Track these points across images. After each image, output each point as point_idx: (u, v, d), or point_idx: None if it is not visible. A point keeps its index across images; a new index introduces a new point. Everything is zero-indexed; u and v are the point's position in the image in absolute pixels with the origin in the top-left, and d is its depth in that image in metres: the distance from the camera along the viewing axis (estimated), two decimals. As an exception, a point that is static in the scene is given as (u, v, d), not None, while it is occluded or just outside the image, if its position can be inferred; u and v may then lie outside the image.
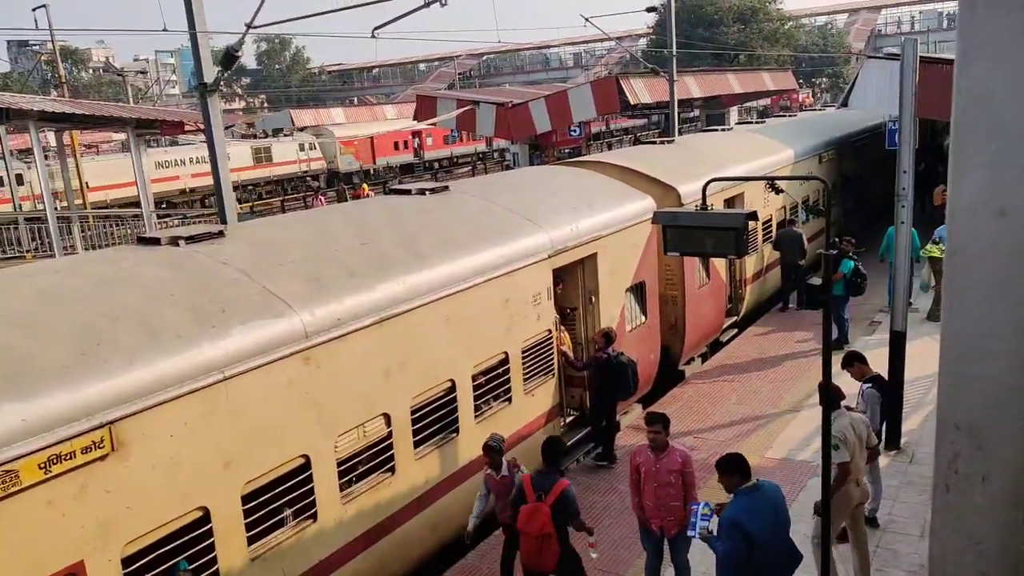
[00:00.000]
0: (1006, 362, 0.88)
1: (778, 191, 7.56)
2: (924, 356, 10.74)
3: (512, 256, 8.40)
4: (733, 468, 5.67)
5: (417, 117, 27.73)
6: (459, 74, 77.85)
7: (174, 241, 6.66)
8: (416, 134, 47.44)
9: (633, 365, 9.54)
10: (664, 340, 11.98)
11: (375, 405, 6.69)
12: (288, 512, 6.08)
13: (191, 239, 6.70)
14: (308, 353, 6.06)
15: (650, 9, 30.05)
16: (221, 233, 7.03)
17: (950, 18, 64.36)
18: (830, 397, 6.49)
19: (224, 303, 5.81)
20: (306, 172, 43.85)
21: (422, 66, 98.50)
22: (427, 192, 9.22)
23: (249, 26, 10.26)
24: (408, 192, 9.37)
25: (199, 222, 19.08)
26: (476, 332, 7.86)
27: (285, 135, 44.82)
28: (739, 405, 11.36)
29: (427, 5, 10.30)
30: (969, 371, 0.91)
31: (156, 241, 6.72)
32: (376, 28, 10.97)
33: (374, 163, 46.48)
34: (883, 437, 7.89)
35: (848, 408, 8.06)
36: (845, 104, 28.58)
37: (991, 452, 0.90)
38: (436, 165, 50.41)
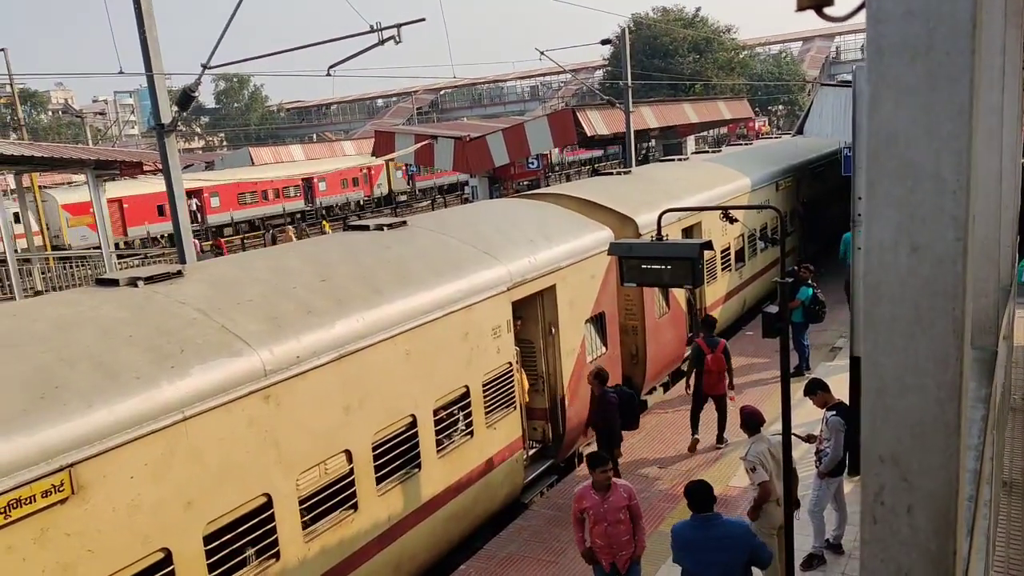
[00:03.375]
0: (925, 394, 0.92)
1: (732, 220, 7.73)
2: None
3: (471, 290, 8.42)
4: (689, 498, 5.78)
5: (376, 152, 27.78)
6: (417, 109, 78.35)
7: (132, 282, 6.56)
8: (307, 180, 44.72)
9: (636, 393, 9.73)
10: (625, 370, 12.06)
11: (336, 442, 6.61)
12: (251, 552, 5.96)
13: (149, 279, 6.62)
14: (268, 391, 5.99)
15: (605, 41, 30.72)
16: (179, 273, 6.95)
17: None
18: (753, 424, 6.82)
19: (183, 343, 5.73)
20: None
21: (380, 101, 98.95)
22: (385, 228, 9.24)
23: (205, 66, 10.24)
24: (366, 228, 9.37)
25: (159, 262, 18.79)
26: (436, 367, 7.84)
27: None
28: (701, 434, 11.44)
29: (382, 43, 10.40)
30: (890, 404, 0.95)
31: (114, 282, 6.62)
32: (332, 66, 11.03)
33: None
34: (847, 464, 8.02)
35: (803, 434, 8.22)
36: (800, 131, 29.33)
37: (915, 484, 0.94)
38: (328, 212, 45.91)
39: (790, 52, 78.75)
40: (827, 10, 1.00)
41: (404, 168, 50.16)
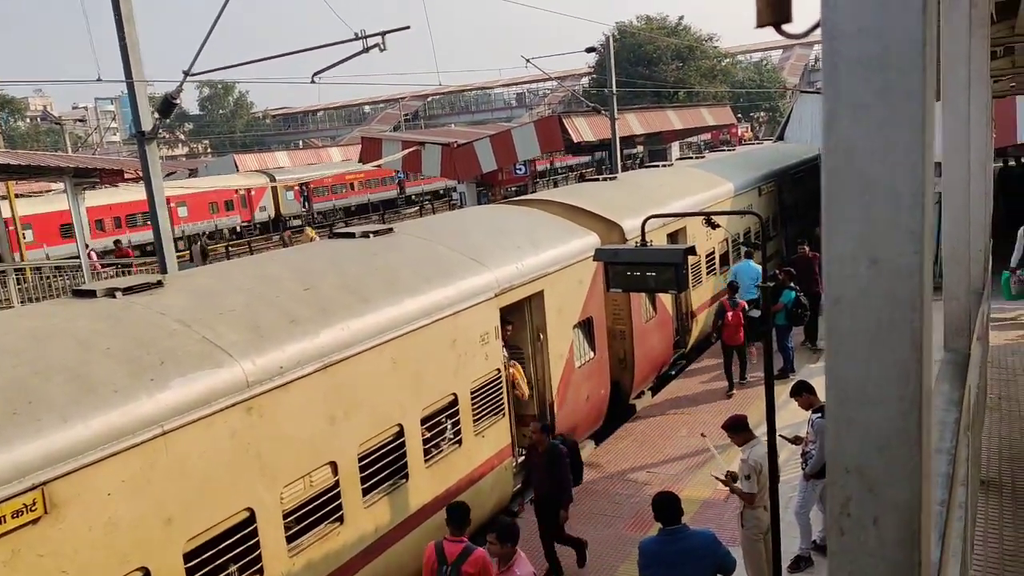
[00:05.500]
0: (888, 406, 0.93)
1: (714, 226, 7.78)
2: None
3: (458, 297, 8.41)
4: (655, 512, 5.78)
5: (363, 159, 27.76)
6: (404, 115, 78.38)
7: (110, 293, 6.49)
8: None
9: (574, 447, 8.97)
10: (614, 375, 12.08)
11: (321, 454, 6.57)
12: (233, 568, 5.89)
13: (128, 290, 6.55)
14: (250, 403, 5.94)
15: (589, 49, 30.90)
16: (159, 283, 6.89)
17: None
18: (740, 427, 6.85)
19: (162, 355, 5.67)
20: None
21: (367, 108, 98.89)
22: (371, 235, 9.21)
23: (187, 73, 10.20)
24: (352, 235, 9.34)
25: (139, 272, 18.62)
26: (424, 375, 7.82)
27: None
28: (689, 438, 11.48)
29: (366, 51, 10.39)
30: (855, 415, 0.95)
31: (92, 293, 6.55)
32: (316, 73, 11.01)
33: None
34: None
35: (789, 436, 8.25)
36: (781, 137, 29.60)
37: (880, 495, 0.94)
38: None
39: (770, 60, 79.46)
40: (786, 27, 1.01)
41: (297, 188, 43.09)
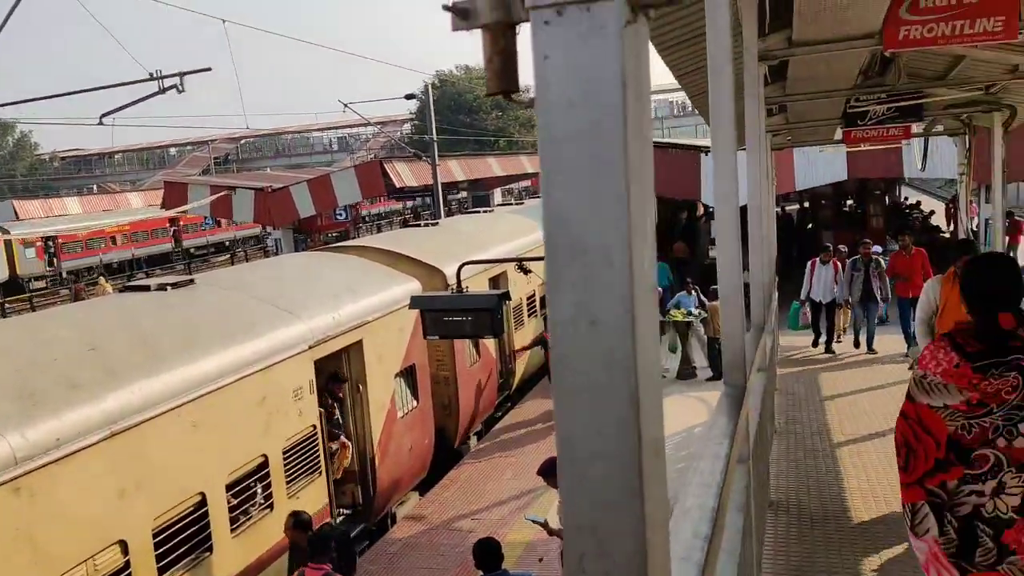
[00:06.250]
0: (610, 462, 0.95)
1: (526, 272, 8.03)
2: (677, 414, 11.75)
3: (268, 350, 8.00)
4: (475, 559, 5.78)
5: (166, 204, 26.03)
6: (215, 159, 74.71)
7: None
8: None
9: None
10: (439, 422, 11.99)
11: (108, 533, 5.90)
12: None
13: None
14: (19, 483, 5.23)
15: (409, 96, 31.22)
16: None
17: (680, 107, 73.92)
18: (553, 470, 7.04)
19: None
20: None
21: (173, 151, 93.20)
22: (168, 287, 8.58)
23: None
24: (146, 288, 8.65)
25: None
26: (230, 437, 7.31)
27: None
28: (515, 480, 11.59)
29: (163, 91, 9.78)
30: (583, 473, 0.97)
31: None
32: (104, 115, 10.18)
33: None
34: None
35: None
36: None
37: (610, 552, 0.95)
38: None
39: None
40: (515, 96, 1.04)
41: (41, 242, 35.62)
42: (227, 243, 47.88)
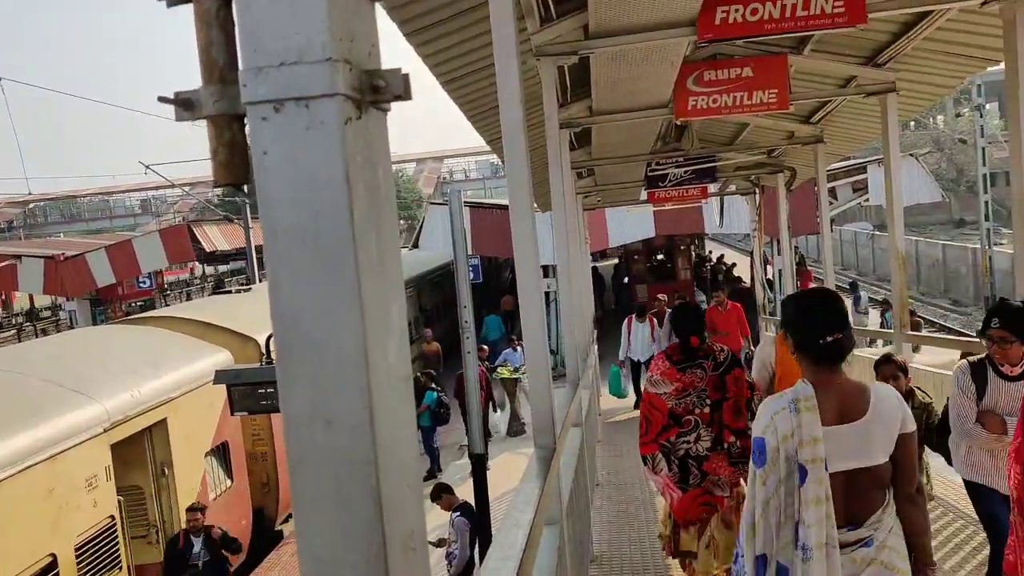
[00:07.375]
0: (356, 568, 0.92)
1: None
2: (508, 471, 11.72)
3: (55, 436, 7.16)
4: None
5: (-66, 277, 22.91)
6: (-4, 225, 67.04)
7: None
8: None
9: None
10: (257, 502, 11.25)
11: None
12: None
13: None
14: None
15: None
16: None
17: (499, 167, 76.40)
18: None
19: None
20: None
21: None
22: (-70, 373, 7.50)
23: None
24: (-100, 375, 7.51)
25: None
26: (10, 539, 6.41)
27: None
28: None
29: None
30: (330, 579, 0.92)
31: None
32: None
33: None
34: (477, 561, 8.30)
35: (434, 540, 8.39)
36: (416, 245, 31.47)
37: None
38: None
39: (405, 171, 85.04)
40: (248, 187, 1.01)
41: None
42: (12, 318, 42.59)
